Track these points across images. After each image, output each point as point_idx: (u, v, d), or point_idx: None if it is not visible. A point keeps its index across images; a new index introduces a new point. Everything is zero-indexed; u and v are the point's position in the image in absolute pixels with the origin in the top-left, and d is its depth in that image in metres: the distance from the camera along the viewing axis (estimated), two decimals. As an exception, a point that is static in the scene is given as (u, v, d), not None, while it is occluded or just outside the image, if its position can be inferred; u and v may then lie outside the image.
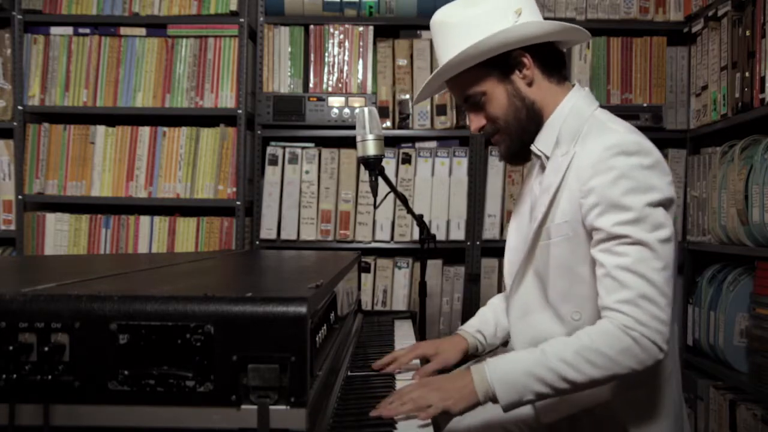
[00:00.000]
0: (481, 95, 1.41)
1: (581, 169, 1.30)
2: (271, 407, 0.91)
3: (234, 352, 0.91)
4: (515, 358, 1.27)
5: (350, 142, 2.37)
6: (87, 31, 2.85)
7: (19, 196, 2.84)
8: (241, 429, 0.92)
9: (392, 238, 2.81)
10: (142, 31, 2.84)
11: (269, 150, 2.83)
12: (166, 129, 2.84)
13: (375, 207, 2.02)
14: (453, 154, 2.81)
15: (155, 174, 2.83)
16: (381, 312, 2.47)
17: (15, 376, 0.91)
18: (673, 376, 1.40)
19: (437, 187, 2.81)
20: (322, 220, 2.81)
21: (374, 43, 2.86)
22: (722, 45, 2.46)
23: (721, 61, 2.47)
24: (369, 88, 2.84)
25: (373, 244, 2.82)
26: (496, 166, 2.82)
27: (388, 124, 2.81)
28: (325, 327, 1.22)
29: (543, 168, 1.44)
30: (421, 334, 2.19)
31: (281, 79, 2.85)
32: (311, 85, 2.85)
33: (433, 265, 2.79)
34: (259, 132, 2.84)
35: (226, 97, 2.82)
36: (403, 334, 1.97)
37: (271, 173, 2.82)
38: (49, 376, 0.91)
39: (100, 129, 2.84)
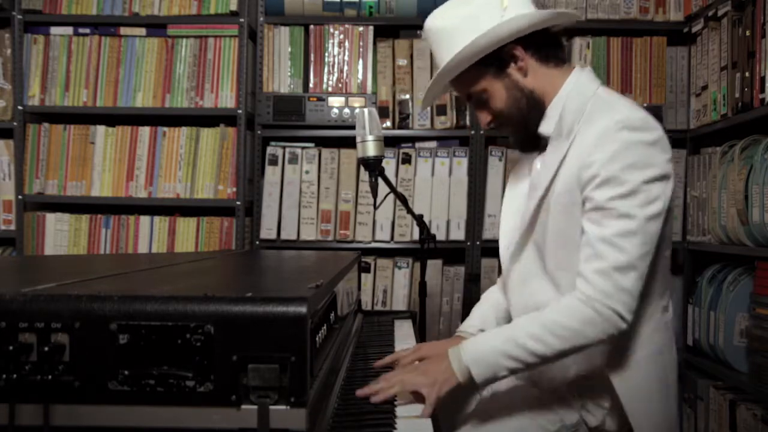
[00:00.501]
0: (482, 92, 1.45)
1: (585, 144, 1.34)
2: (271, 407, 0.91)
3: (234, 352, 0.91)
4: (487, 338, 1.36)
5: (350, 142, 2.37)
6: (87, 31, 2.85)
7: (19, 196, 2.84)
8: (241, 429, 0.91)
9: (392, 238, 2.81)
10: (142, 31, 2.84)
11: (269, 150, 2.83)
12: (166, 129, 2.84)
13: (375, 207, 2.02)
14: (453, 154, 2.81)
15: (155, 174, 2.83)
16: (381, 312, 2.47)
17: (15, 376, 0.91)
18: (667, 358, 1.44)
19: (437, 187, 2.81)
20: (322, 220, 2.81)
21: (374, 43, 2.86)
22: (722, 45, 2.46)
23: (721, 61, 2.47)
24: (369, 88, 2.84)
25: (373, 244, 2.82)
26: (496, 166, 2.82)
27: (388, 124, 2.81)
28: (325, 327, 1.22)
29: (545, 147, 1.46)
30: (421, 334, 2.19)
31: (281, 79, 2.85)
32: (311, 85, 2.85)
33: (433, 265, 2.78)
34: (259, 132, 2.84)
35: (226, 97, 2.82)
36: (403, 334, 1.97)
37: (271, 173, 2.82)
38: (49, 376, 0.91)
39: (100, 129, 2.84)
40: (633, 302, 1.30)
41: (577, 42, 2.80)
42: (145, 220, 2.83)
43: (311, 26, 2.85)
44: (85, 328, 0.92)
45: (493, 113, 1.46)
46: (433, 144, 2.86)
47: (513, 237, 1.51)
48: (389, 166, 2.79)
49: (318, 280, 1.16)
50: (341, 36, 2.85)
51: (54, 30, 2.85)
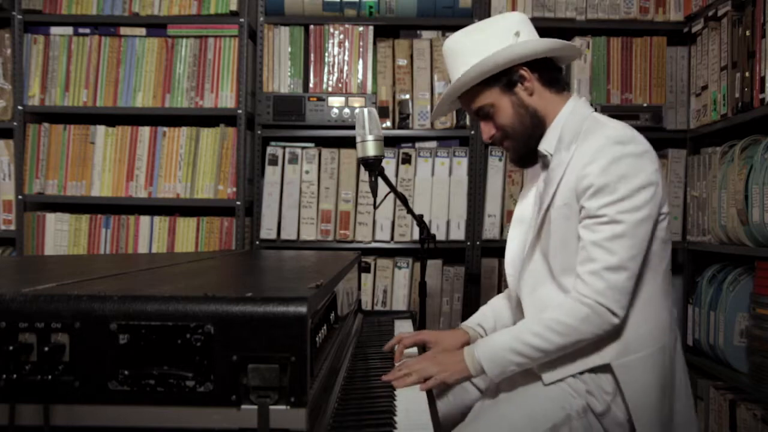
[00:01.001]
0: (489, 107, 1.59)
1: (581, 159, 1.48)
2: (271, 407, 0.91)
3: (234, 352, 0.91)
4: (497, 337, 1.52)
5: (350, 142, 2.37)
6: (87, 31, 2.85)
7: (19, 196, 2.84)
8: (241, 429, 0.92)
9: (392, 238, 2.81)
10: (142, 31, 2.84)
11: (269, 150, 2.83)
12: (166, 129, 2.84)
13: (375, 207, 2.04)
14: (453, 154, 2.81)
15: (155, 174, 2.83)
16: (381, 312, 2.47)
17: (15, 376, 0.91)
18: (668, 357, 1.53)
19: (437, 187, 2.81)
20: (322, 220, 2.81)
21: (374, 43, 2.86)
22: (722, 45, 2.46)
23: (721, 61, 2.47)
24: (369, 88, 2.84)
25: (373, 244, 2.82)
26: (496, 166, 2.82)
27: (388, 124, 2.81)
28: (325, 327, 1.22)
29: (546, 166, 1.60)
30: (421, 334, 2.19)
31: (281, 79, 2.85)
32: (311, 85, 2.85)
33: (433, 265, 2.79)
34: (259, 132, 2.84)
35: (226, 97, 2.82)
36: (403, 334, 1.97)
37: (271, 173, 2.82)
38: (49, 376, 0.91)
39: (100, 129, 2.84)
40: (624, 299, 1.44)
41: (577, 42, 2.80)
42: (145, 220, 2.84)
43: (311, 26, 2.85)
44: (85, 328, 0.92)
45: (498, 127, 1.60)
46: (433, 144, 2.86)
47: (521, 248, 1.65)
48: (389, 166, 2.79)
49: (318, 280, 1.16)
50: (341, 36, 2.85)
51: (54, 30, 2.85)
